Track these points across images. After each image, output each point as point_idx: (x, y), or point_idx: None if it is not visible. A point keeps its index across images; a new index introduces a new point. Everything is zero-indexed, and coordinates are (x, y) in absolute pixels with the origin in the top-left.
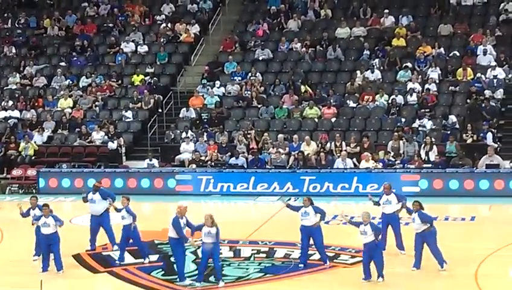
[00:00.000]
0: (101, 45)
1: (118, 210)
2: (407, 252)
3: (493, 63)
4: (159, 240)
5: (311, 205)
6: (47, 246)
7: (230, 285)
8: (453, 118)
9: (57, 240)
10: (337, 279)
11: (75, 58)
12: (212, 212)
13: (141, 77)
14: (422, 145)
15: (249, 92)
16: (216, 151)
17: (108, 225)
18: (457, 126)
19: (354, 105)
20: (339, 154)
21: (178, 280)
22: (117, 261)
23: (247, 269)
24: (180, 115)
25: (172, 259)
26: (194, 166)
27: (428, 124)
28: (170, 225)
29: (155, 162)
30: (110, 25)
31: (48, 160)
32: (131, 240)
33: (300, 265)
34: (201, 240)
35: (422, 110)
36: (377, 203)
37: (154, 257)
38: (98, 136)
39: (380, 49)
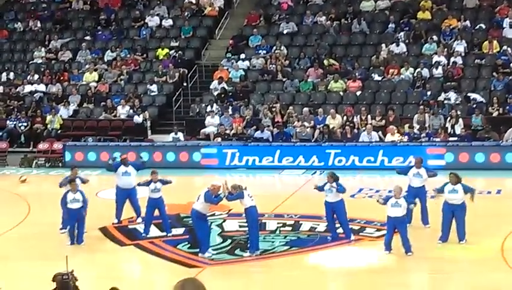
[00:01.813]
0: (125, 19)
1: (147, 183)
2: (432, 226)
3: None
4: (185, 214)
5: (335, 181)
6: (76, 221)
7: (257, 258)
8: (477, 97)
9: (83, 215)
10: (362, 252)
11: (100, 32)
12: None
13: (166, 50)
14: (448, 119)
15: (273, 66)
16: (241, 124)
17: (136, 197)
18: (482, 100)
19: (379, 78)
20: (364, 128)
21: (200, 252)
22: (143, 234)
23: (273, 242)
24: (211, 87)
25: None
26: (219, 139)
27: (454, 97)
28: (202, 197)
29: (180, 135)
30: None
31: (74, 134)
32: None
33: (328, 238)
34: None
35: (448, 84)
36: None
37: (180, 230)
38: (123, 110)
39: (405, 22)
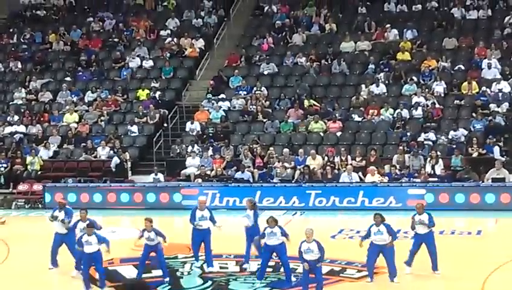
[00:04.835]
0: (106, 60)
1: (141, 234)
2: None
3: (498, 77)
4: (165, 255)
5: (277, 224)
6: (89, 266)
7: None
8: (463, 132)
9: (99, 258)
10: None
11: (81, 73)
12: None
13: (146, 91)
14: (428, 159)
15: (254, 107)
16: (222, 165)
17: (73, 244)
18: (462, 140)
19: (359, 119)
20: (344, 168)
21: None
22: (165, 279)
23: (253, 283)
24: (186, 129)
25: (178, 274)
26: (199, 180)
27: (434, 137)
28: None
29: (161, 176)
30: (115, 39)
31: (54, 175)
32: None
33: (258, 280)
34: None
35: (428, 124)
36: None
37: (160, 272)
38: (103, 151)
39: (385, 63)
